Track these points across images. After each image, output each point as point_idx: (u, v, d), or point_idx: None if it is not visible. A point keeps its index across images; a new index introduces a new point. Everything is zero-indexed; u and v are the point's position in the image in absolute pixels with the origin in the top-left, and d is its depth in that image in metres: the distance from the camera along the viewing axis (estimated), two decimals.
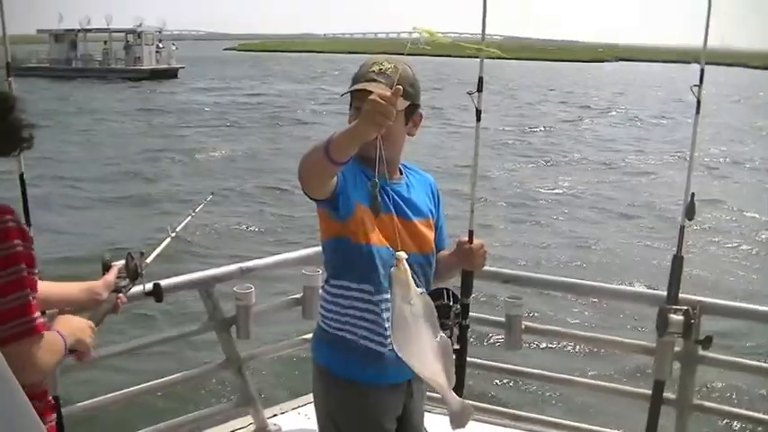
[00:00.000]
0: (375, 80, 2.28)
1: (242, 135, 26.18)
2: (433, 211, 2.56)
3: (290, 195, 15.11)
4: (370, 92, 1.98)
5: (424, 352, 1.88)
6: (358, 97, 2.27)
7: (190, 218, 2.93)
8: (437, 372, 1.90)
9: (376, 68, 2.33)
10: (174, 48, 56.86)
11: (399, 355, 1.87)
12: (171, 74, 52.92)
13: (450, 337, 2.40)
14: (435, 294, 2.43)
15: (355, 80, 2.37)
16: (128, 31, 53.06)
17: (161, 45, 54.45)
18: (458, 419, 2.00)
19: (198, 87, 46.23)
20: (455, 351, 2.46)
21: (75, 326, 1.97)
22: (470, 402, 2.01)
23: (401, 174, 2.50)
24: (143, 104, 35.17)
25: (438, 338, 1.89)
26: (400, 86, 1.87)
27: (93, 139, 24.50)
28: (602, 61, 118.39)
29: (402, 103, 2.31)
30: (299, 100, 39.00)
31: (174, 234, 2.79)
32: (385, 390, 2.43)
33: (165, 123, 29.44)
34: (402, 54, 2.16)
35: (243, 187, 16.93)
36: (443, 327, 2.37)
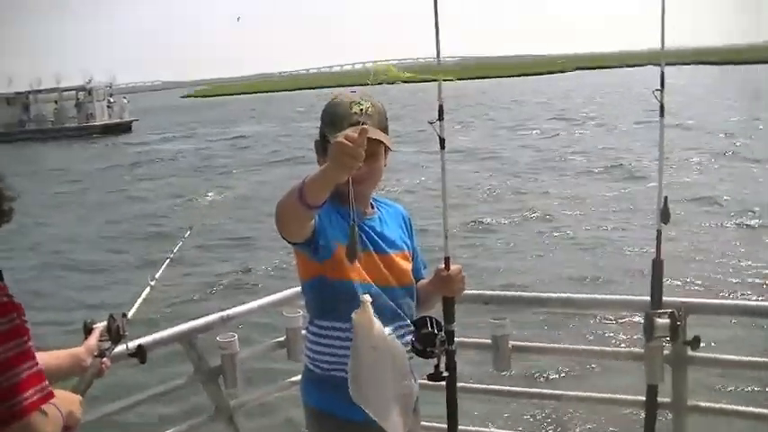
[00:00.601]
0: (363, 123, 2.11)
1: (213, 180, 26.03)
2: (408, 242, 2.54)
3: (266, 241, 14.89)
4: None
5: (383, 399, 1.87)
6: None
7: (168, 260, 2.80)
8: (395, 419, 1.89)
9: (357, 109, 2.24)
10: (125, 101, 56.34)
11: (356, 401, 1.85)
12: (124, 127, 52.20)
13: (437, 366, 2.36)
14: (419, 323, 2.40)
15: (335, 123, 2.30)
16: (78, 89, 52.69)
17: (112, 99, 54.04)
18: None
19: (158, 138, 45.75)
20: (444, 378, 2.43)
21: (67, 399, 1.92)
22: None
23: (373, 208, 2.49)
24: (104, 162, 34.64)
25: (406, 382, 1.89)
26: (366, 126, 1.85)
27: (63, 201, 24.22)
28: (563, 72, 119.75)
29: (387, 140, 2.33)
30: (267, 141, 38.91)
31: (153, 282, 2.69)
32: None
33: (137, 176, 29.28)
34: (366, 85, 2.10)
35: (219, 233, 16.73)
36: (431, 355, 2.34)
